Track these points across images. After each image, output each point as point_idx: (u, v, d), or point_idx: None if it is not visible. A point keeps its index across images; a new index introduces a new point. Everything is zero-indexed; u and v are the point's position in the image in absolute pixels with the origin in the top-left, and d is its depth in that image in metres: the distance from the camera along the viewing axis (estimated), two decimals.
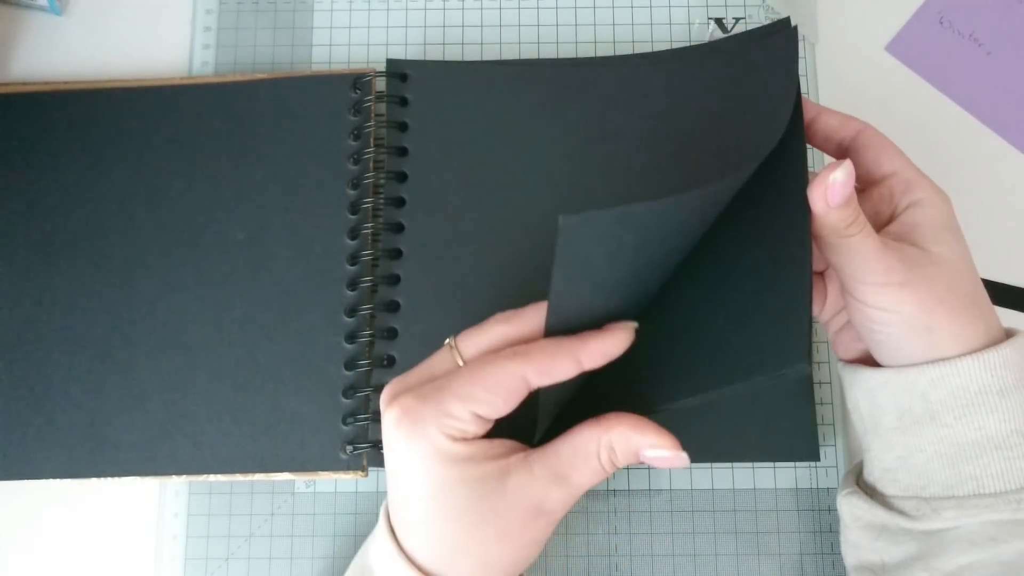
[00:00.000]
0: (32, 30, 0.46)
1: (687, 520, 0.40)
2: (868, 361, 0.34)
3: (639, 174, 0.41)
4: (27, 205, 0.42)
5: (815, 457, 0.40)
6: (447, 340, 0.31)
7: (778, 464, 0.41)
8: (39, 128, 0.43)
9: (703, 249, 0.32)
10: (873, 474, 0.34)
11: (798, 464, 0.41)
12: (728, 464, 0.41)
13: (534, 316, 0.30)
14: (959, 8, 0.47)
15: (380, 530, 0.32)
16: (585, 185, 0.41)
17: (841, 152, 0.36)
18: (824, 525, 0.40)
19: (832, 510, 0.40)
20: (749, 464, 0.41)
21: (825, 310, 0.37)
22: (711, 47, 0.42)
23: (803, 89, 0.45)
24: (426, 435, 0.28)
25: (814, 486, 0.41)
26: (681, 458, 0.29)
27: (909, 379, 0.31)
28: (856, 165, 0.33)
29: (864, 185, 0.35)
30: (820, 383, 0.41)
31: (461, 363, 0.30)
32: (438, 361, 0.31)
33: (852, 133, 0.35)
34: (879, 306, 0.31)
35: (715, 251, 0.31)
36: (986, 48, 0.46)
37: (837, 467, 0.41)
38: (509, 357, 0.29)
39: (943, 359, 0.31)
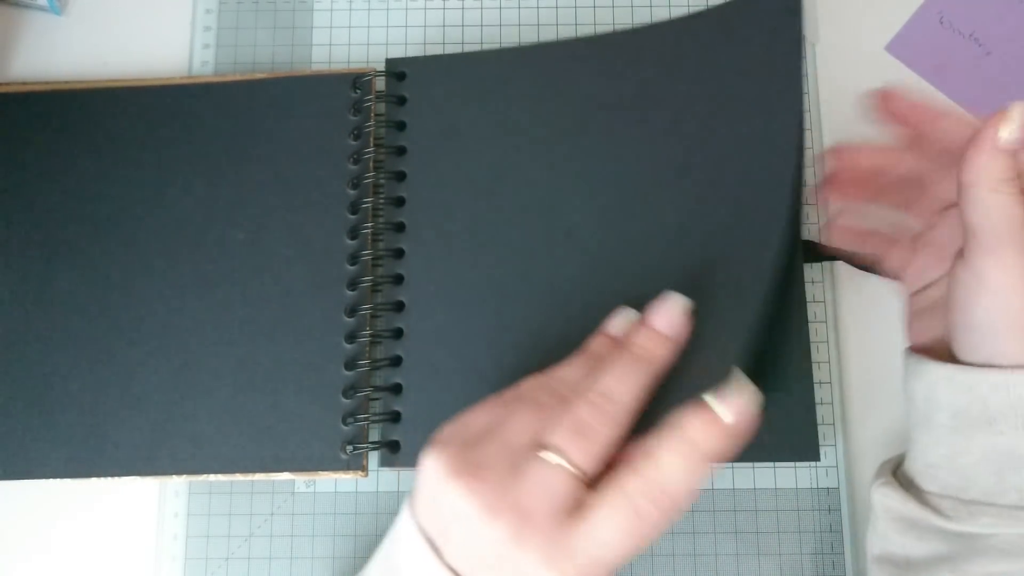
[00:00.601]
0: (32, 30, 0.46)
1: (687, 520, 0.40)
2: (935, 351, 0.33)
3: (638, 149, 0.40)
4: (27, 205, 0.42)
5: (815, 457, 0.40)
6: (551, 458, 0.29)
7: (778, 464, 0.41)
8: (39, 128, 0.43)
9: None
10: (914, 467, 0.33)
11: (798, 464, 0.41)
12: (728, 464, 0.41)
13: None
14: (959, 8, 0.47)
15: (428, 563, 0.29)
16: (585, 172, 0.41)
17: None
18: (824, 525, 0.40)
19: (832, 510, 0.40)
20: (749, 464, 0.41)
21: (909, 282, 0.35)
22: (708, 13, 0.41)
23: (803, 89, 0.44)
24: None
25: (814, 486, 0.41)
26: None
27: (973, 380, 0.30)
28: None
29: None
30: (820, 383, 0.41)
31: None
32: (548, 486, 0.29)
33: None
34: (994, 287, 0.29)
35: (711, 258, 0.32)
36: (986, 48, 0.46)
37: (837, 467, 0.41)
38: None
39: (1014, 366, 0.29)
